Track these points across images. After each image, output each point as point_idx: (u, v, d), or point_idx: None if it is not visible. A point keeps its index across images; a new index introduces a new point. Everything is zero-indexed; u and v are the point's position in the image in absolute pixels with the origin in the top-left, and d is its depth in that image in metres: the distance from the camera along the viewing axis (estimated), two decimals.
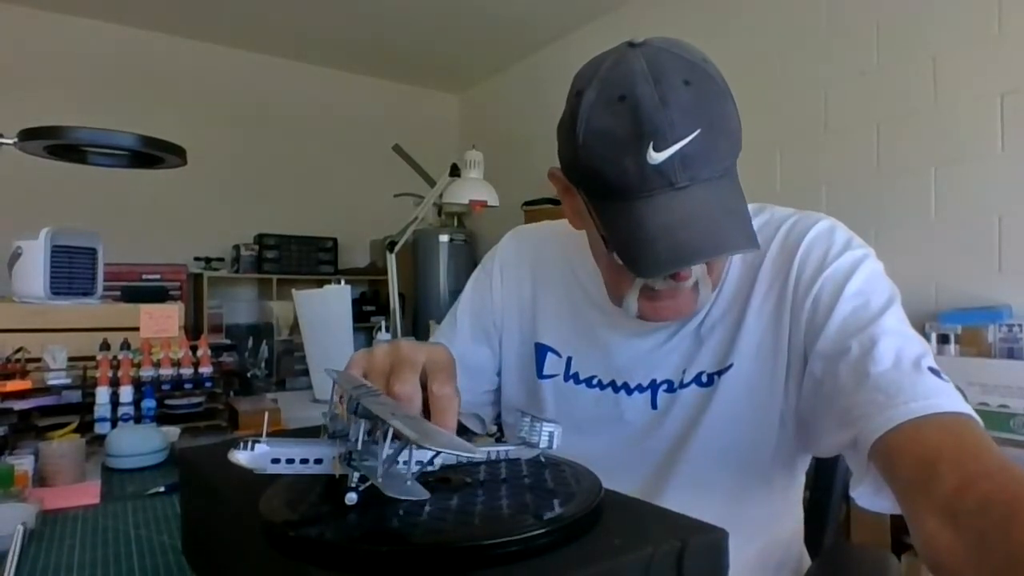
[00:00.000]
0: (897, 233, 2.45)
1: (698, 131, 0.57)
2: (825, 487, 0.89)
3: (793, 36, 2.82)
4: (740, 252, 0.60)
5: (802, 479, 0.80)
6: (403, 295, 3.15)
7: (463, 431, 1.03)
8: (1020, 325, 1.95)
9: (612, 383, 0.77)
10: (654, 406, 0.75)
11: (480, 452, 0.47)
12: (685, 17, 3.28)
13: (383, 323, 2.22)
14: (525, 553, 0.34)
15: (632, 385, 0.76)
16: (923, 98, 2.38)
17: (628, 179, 0.58)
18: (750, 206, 0.77)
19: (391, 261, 2.34)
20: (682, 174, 0.57)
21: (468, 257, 4.35)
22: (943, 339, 2.02)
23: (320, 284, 2.03)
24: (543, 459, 0.50)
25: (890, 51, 2.50)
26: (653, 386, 0.75)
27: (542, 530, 0.36)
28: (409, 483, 0.38)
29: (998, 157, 2.20)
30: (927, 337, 2.04)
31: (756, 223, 0.75)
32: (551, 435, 0.50)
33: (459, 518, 0.38)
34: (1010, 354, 1.93)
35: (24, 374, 1.24)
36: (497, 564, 0.34)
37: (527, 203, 3.99)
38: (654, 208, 0.59)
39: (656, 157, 0.57)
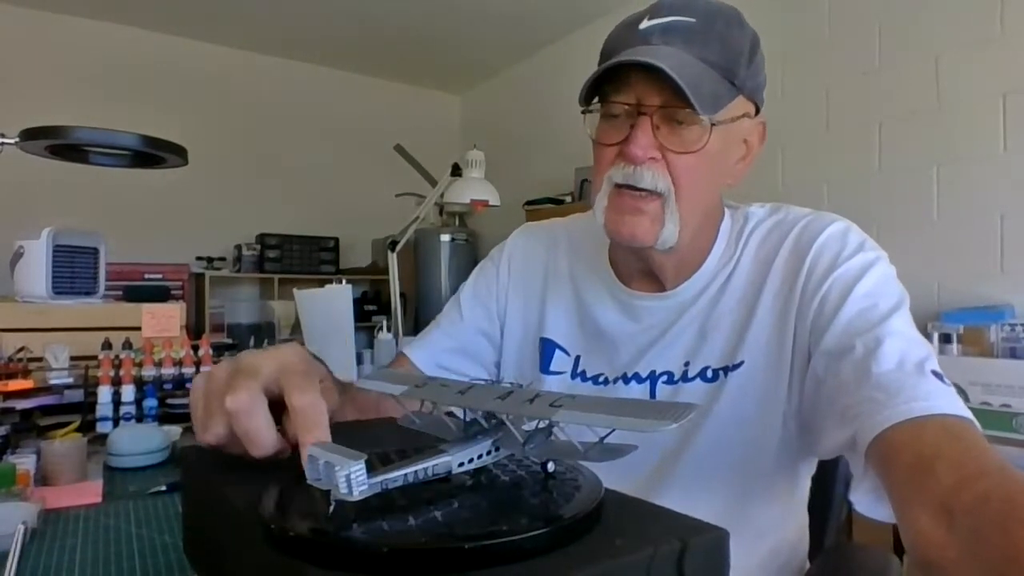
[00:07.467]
0: (899, 233, 2.44)
1: (692, 19, 0.64)
2: (826, 487, 0.88)
3: (795, 36, 2.81)
4: (673, 76, 0.59)
5: (806, 485, 0.79)
6: (404, 295, 3.15)
7: None
8: (1022, 325, 1.94)
9: (617, 379, 0.77)
10: (652, 397, 0.74)
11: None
12: None
13: (384, 322, 2.22)
14: (525, 553, 0.34)
15: (630, 376, 0.76)
16: (925, 98, 2.38)
17: (616, 42, 0.67)
18: (767, 205, 0.77)
19: (392, 261, 2.34)
20: (658, 37, 0.64)
21: (469, 257, 4.35)
22: (945, 339, 2.02)
23: (321, 283, 2.03)
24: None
25: (892, 51, 2.49)
26: (652, 377, 0.75)
27: (542, 530, 0.36)
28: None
29: (1000, 157, 2.20)
30: (929, 337, 2.04)
31: (771, 222, 0.75)
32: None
33: (459, 518, 0.38)
34: (1012, 354, 1.93)
35: (26, 373, 1.24)
36: (497, 564, 0.34)
37: (528, 203, 3.99)
38: (623, 53, 0.64)
39: (645, 24, 0.65)
